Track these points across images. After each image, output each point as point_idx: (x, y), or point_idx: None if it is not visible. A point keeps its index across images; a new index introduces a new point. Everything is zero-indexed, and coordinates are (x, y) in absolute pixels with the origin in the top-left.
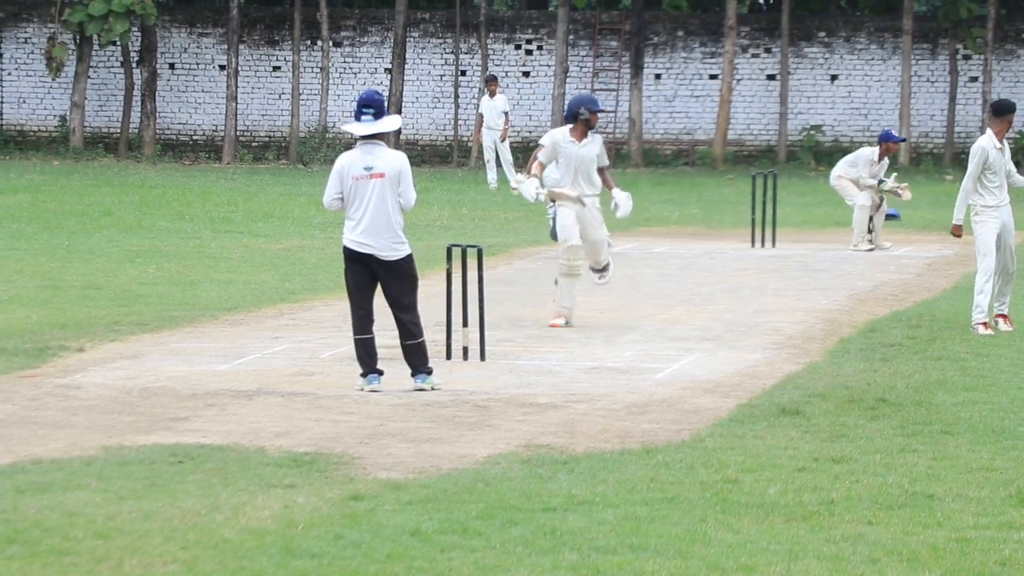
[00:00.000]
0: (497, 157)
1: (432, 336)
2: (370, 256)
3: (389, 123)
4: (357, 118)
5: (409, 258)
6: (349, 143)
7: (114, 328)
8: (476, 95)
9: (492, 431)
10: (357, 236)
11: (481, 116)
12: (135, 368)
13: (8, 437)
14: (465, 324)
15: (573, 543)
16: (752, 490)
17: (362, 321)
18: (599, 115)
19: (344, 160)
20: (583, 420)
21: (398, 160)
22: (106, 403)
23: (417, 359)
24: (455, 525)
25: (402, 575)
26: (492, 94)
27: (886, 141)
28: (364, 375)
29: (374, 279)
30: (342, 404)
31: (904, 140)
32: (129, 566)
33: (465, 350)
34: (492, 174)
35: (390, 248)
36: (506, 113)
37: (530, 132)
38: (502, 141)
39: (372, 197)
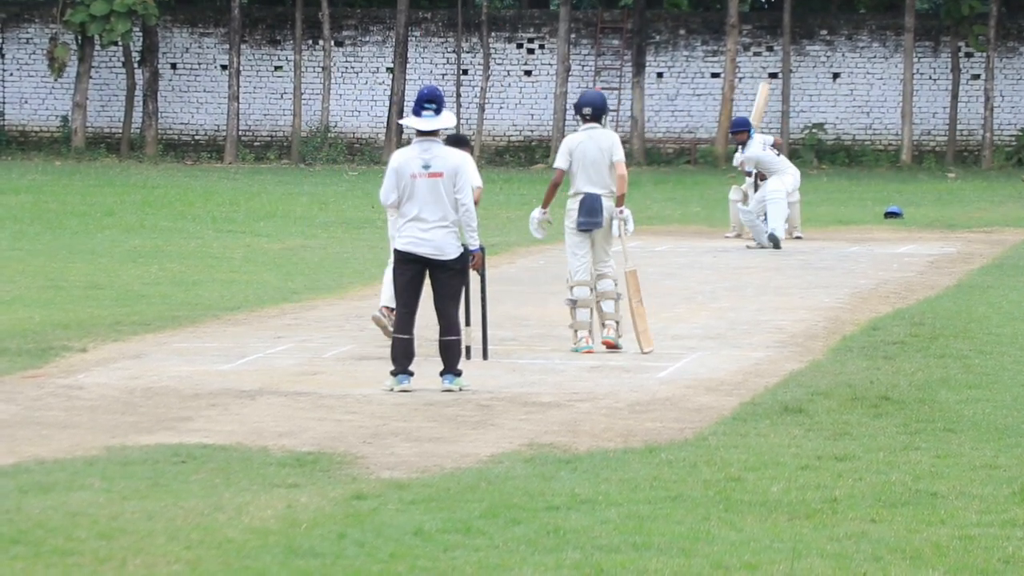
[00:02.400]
0: None
1: (433, 336)
2: (423, 255)
3: (448, 119)
4: (417, 113)
5: (462, 257)
6: (351, 141)
7: (117, 328)
8: (478, 94)
9: (495, 430)
10: (411, 234)
11: None
12: (138, 368)
13: (11, 437)
14: (468, 323)
15: (576, 542)
16: (755, 488)
17: (404, 320)
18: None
19: (401, 157)
20: (586, 419)
21: (456, 158)
22: (109, 403)
23: (450, 357)
24: (458, 524)
25: (405, 574)
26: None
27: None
28: (395, 374)
29: (424, 278)
30: (345, 403)
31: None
32: (132, 566)
33: (468, 349)
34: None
35: (444, 247)
36: None
37: (531, 131)
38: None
39: (428, 195)
